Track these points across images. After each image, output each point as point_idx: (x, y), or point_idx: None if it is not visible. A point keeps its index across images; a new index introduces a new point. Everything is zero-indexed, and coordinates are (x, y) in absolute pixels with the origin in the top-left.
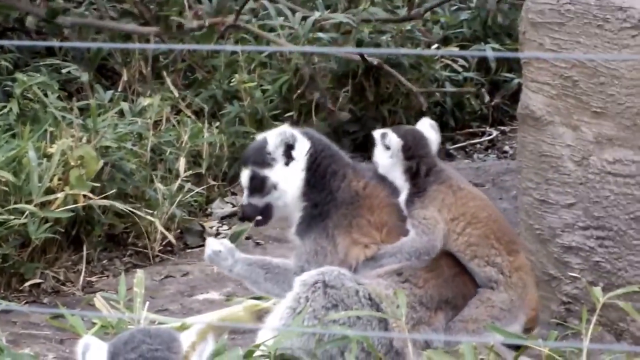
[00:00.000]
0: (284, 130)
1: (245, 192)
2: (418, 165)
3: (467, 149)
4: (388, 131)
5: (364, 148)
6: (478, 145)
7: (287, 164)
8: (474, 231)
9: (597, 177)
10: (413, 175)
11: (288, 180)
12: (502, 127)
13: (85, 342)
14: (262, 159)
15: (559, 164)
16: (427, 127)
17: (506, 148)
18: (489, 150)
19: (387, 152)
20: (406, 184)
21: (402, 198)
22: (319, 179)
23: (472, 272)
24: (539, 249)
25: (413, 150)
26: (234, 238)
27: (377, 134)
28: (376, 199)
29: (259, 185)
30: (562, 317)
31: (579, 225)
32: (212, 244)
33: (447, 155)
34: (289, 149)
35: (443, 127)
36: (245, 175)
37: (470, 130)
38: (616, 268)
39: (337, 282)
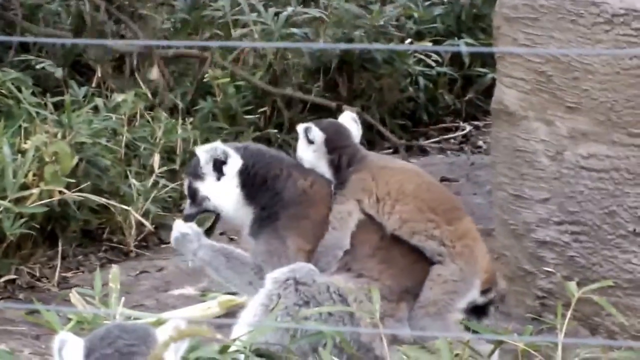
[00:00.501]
0: (214, 146)
1: (187, 200)
2: (340, 157)
3: (441, 144)
4: (311, 125)
5: None
6: (452, 141)
7: (218, 179)
8: (404, 207)
9: (572, 172)
10: (336, 168)
11: (220, 195)
12: (476, 122)
13: (61, 338)
14: (195, 172)
15: (534, 159)
16: (349, 120)
17: (480, 143)
18: (463, 145)
19: (310, 146)
20: (331, 177)
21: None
22: (260, 187)
23: (420, 249)
24: (514, 244)
25: (335, 143)
26: (200, 222)
27: (300, 128)
28: (325, 195)
29: (192, 196)
30: (537, 312)
31: (553, 220)
32: (180, 227)
33: (420, 151)
34: (219, 164)
35: (417, 122)
36: (184, 184)
37: (444, 125)
38: (591, 263)
39: (309, 279)
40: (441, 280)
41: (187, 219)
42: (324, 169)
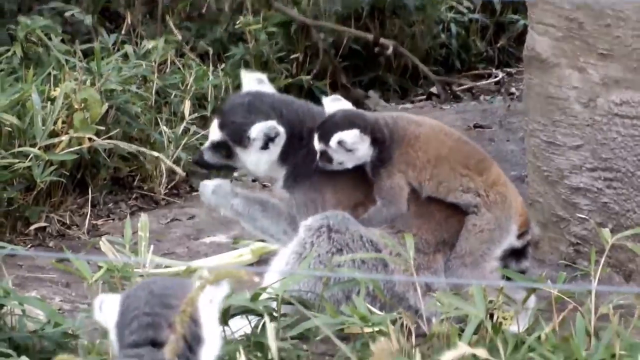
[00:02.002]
0: (271, 126)
1: (208, 144)
2: (381, 144)
3: (473, 91)
4: (344, 137)
5: (369, 87)
6: (484, 87)
7: (262, 148)
8: (440, 171)
9: (604, 119)
10: (379, 148)
11: (257, 163)
12: (509, 69)
13: (101, 299)
14: (240, 138)
15: (566, 106)
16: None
17: (513, 90)
18: (496, 92)
19: (355, 152)
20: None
21: (367, 168)
22: (296, 149)
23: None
24: (547, 190)
25: (375, 136)
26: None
27: (334, 142)
28: None
29: (225, 153)
30: (571, 258)
31: (586, 166)
32: (210, 183)
33: (453, 97)
34: (267, 141)
35: (449, 69)
36: (215, 133)
37: (477, 72)
38: (624, 209)
39: (342, 227)
40: (477, 229)
41: (204, 166)
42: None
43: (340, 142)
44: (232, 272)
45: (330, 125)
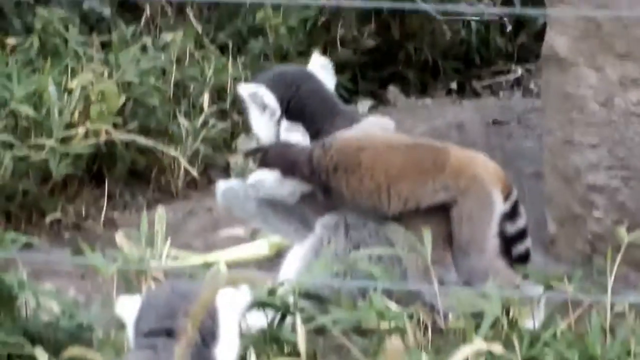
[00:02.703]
0: (257, 91)
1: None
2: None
3: (492, 87)
4: (261, 177)
5: (389, 82)
6: (504, 83)
7: (261, 112)
8: (399, 189)
9: (622, 119)
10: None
11: (257, 128)
12: (528, 65)
13: (121, 300)
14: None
15: (583, 105)
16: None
17: (531, 86)
18: (515, 88)
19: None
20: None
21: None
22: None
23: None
24: (564, 188)
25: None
26: (239, 176)
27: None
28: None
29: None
30: (588, 256)
31: (603, 165)
32: (223, 184)
33: (473, 93)
34: (261, 104)
35: (469, 64)
36: None
37: (496, 68)
38: None
39: (359, 223)
40: (464, 218)
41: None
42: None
43: (259, 183)
44: (246, 276)
45: (260, 161)
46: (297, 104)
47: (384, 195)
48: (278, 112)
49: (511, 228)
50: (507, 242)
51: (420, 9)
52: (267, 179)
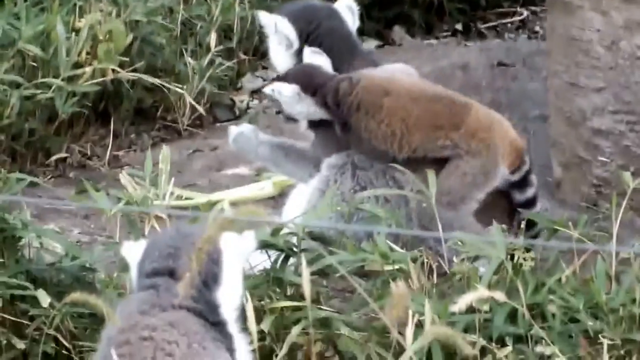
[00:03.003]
0: (276, 21)
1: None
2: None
3: (498, 29)
4: (282, 89)
5: (395, 22)
6: (509, 25)
7: (280, 43)
8: (412, 139)
9: (627, 62)
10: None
11: (275, 56)
12: (533, 7)
13: (126, 244)
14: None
15: (589, 48)
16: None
17: (537, 28)
18: (520, 30)
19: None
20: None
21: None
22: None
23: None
24: (569, 131)
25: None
26: (252, 120)
27: (269, 90)
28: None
29: None
30: (593, 200)
31: (609, 109)
32: (236, 127)
33: (478, 34)
34: (281, 35)
35: (474, 6)
36: None
37: (501, 9)
38: None
39: (366, 164)
40: (460, 172)
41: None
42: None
43: (277, 92)
44: (252, 210)
45: (282, 75)
46: (316, 40)
47: (396, 141)
48: (296, 45)
49: (520, 197)
50: (514, 208)
51: None
52: (285, 89)
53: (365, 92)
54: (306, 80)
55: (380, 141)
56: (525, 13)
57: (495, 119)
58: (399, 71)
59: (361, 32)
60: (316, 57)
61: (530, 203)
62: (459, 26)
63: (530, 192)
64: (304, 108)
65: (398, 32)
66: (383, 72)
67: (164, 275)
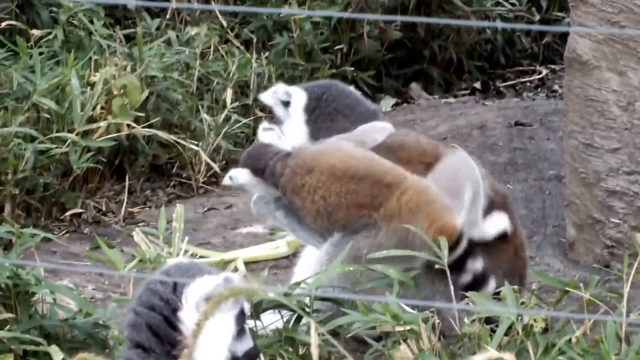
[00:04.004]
0: (284, 90)
1: None
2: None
3: (516, 87)
4: (235, 174)
5: (413, 80)
6: (528, 84)
7: (285, 111)
8: (332, 214)
9: None
10: None
11: (288, 129)
12: (553, 66)
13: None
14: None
15: (605, 109)
16: None
17: (555, 87)
18: (539, 89)
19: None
20: None
21: None
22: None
23: None
24: (584, 192)
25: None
26: None
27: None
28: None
29: None
30: (606, 261)
31: (623, 170)
32: (256, 194)
33: (497, 93)
34: (285, 105)
35: (493, 64)
36: None
37: (521, 68)
38: None
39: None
40: (376, 242)
41: None
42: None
43: (234, 179)
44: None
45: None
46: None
47: (324, 219)
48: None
49: (459, 279)
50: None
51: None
52: (239, 175)
53: (292, 171)
54: (253, 163)
55: (311, 219)
56: (545, 72)
57: (426, 201)
58: (372, 129)
59: (379, 90)
60: (267, 134)
61: (470, 287)
62: (477, 85)
63: (466, 279)
64: (263, 189)
65: (415, 89)
66: (345, 137)
67: (136, 348)
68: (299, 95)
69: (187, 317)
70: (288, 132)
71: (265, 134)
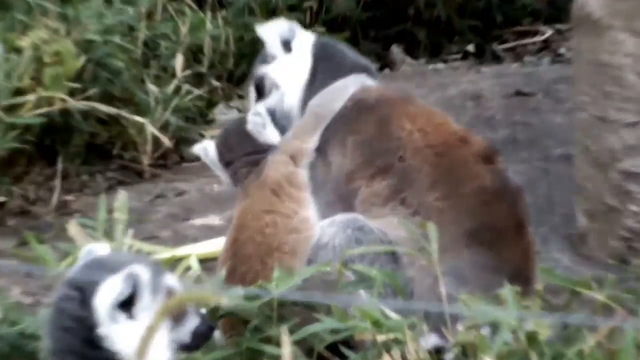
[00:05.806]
0: (280, 22)
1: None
2: None
3: (516, 51)
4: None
5: (395, 42)
6: (530, 47)
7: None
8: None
9: None
10: None
11: (289, 75)
12: (558, 25)
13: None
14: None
15: (620, 76)
16: None
17: (562, 50)
18: (542, 53)
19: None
20: None
21: None
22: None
23: None
24: (596, 174)
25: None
26: None
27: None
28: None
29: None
30: (622, 255)
31: None
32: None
33: (493, 57)
34: (285, 45)
35: (489, 23)
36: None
37: (521, 27)
38: None
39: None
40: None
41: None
42: None
43: (203, 151)
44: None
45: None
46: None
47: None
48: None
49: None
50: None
51: None
52: (209, 153)
53: (247, 189)
54: (224, 150)
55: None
56: (549, 32)
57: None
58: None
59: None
60: (255, 121)
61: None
62: (470, 47)
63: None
64: (223, 177)
65: (397, 53)
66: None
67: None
68: (305, 35)
69: (108, 330)
70: (278, 76)
71: (253, 120)
